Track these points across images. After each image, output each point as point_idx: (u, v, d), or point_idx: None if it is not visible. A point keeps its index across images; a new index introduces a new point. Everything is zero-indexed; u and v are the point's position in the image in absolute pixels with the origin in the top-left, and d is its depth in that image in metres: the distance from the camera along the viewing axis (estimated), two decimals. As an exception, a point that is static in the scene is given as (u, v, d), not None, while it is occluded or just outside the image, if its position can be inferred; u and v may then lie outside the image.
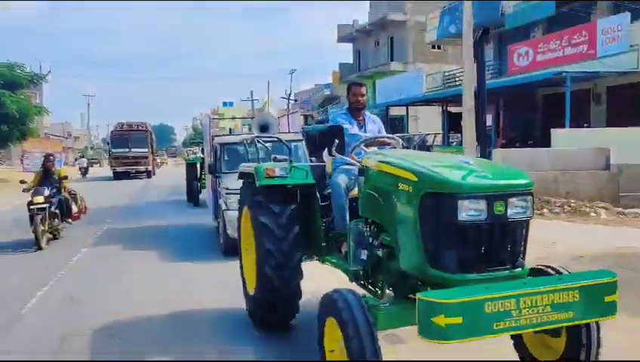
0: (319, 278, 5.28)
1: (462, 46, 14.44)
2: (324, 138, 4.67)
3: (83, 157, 44.41)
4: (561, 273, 3.30)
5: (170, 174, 32.18)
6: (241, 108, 55.52)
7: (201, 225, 11.65)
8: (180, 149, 71.71)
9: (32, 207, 9.29)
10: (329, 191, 4.52)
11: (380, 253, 3.74)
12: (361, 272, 3.99)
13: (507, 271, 3.11)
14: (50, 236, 9.96)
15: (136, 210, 15.48)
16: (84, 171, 35.43)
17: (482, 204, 3.01)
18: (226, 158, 9.62)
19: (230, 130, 13.75)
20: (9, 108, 25.56)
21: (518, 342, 3.74)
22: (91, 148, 60.12)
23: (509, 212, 3.06)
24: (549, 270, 3.37)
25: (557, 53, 18.57)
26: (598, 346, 3.29)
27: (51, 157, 10.74)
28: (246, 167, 5.01)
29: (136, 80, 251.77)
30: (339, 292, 3.30)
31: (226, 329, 5.17)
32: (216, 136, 10.80)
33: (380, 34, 37.52)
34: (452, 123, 24.60)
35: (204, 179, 14.33)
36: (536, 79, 17.72)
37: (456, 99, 18.40)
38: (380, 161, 3.70)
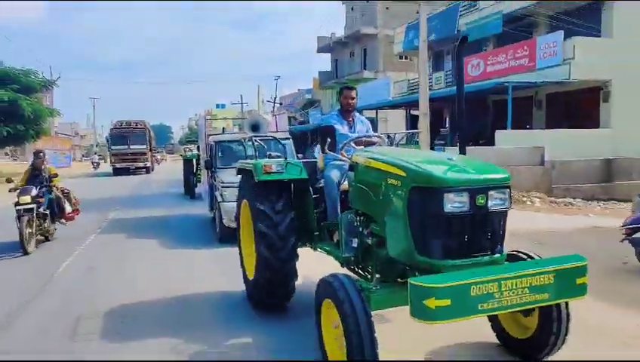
0: (308, 266, 5.03)
1: (418, 59, 14.47)
2: (305, 138, 4.54)
3: (95, 153, 43.89)
4: (533, 258, 3.20)
5: (169, 170, 31.45)
6: (232, 111, 54.81)
7: (198, 215, 11.33)
8: (177, 147, 70.64)
9: (18, 207, 7.60)
10: (321, 185, 4.38)
11: (369, 241, 3.60)
12: (352, 259, 3.85)
13: (488, 257, 3.00)
14: (42, 238, 8.38)
15: (137, 200, 15.03)
16: (97, 165, 35.03)
17: (465, 197, 2.92)
18: (220, 155, 9.33)
19: (223, 129, 13.37)
20: (25, 110, 25.18)
21: (494, 321, 3.65)
22: (96, 145, 58.66)
23: (490, 203, 2.97)
24: (523, 255, 3.26)
25: (504, 64, 18.76)
26: (568, 320, 3.22)
27: (41, 154, 8.62)
28: (244, 163, 4.81)
29: (136, 83, 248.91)
30: (335, 276, 3.18)
31: (226, 311, 4.88)
32: (210, 134, 10.48)
33: (355, 45, 37.32)
34: (415, 124, 24.64)
35: (199, 174, 13.97)
36: (485, 87, 17.90)
37: (418, 104, 18.42)
38: (369, 158, 3.55)
